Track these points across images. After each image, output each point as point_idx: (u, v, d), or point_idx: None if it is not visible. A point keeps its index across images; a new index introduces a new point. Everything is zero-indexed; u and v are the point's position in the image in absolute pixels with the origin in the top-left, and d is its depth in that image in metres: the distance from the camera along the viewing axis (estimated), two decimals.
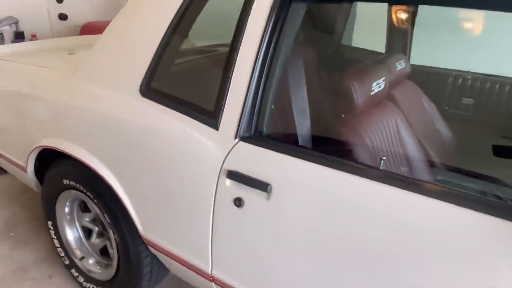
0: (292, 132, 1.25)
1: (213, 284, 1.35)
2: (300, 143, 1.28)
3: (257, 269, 1.21)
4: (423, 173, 1.59)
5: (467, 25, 2.32)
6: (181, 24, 1.36)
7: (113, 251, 1.73)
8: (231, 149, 1.20)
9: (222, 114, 1.22)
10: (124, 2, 1.56)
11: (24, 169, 1.89)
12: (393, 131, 1.54)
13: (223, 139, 1.21)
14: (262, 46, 1.16)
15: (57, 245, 1.93)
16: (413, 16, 2.37)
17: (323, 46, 2.28)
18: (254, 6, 1.19)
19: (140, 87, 1.40)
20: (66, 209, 1.84)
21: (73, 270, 1.91)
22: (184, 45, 1.47)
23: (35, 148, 1.73)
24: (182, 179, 1.29)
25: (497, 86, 2.31)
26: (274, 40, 1.16)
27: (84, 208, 1.87)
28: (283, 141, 1.19)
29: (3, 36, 3.96)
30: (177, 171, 1.30)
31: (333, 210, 1.03)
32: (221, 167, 1.21)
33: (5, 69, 1.93)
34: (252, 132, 1.20)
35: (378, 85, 1.46)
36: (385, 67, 1.66)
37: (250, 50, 1.17)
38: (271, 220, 1.13)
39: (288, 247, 1.12)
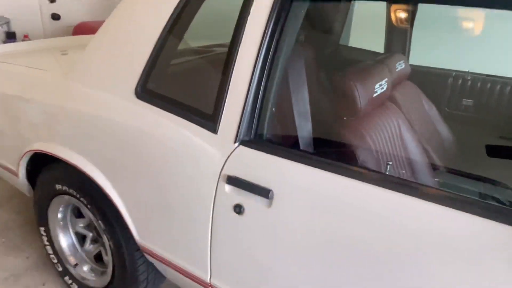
0: (293, 136, 1.21)
1: None
2: (302, 146, 1.24)
3: (258, 279, 1.16)
4: (425, 176, 1.56)
5: (467, 25, 2.29)
6: (178, 23, 1.32)
7: (108, 258, 1.68)
8: (231, 153, 1.15)
9: (221, 117, 1.17)
10: (118, 1, 1.51)
11: (15, 174, 1.83)
12: (396, 133, 1.50)
13: (222, 143, 1.17)
14: (263, 47, 1.12)
15: (50, 251, 1.87)
16: (412, 15, 2.34)
17: (322, 47, 2.24)
18: (254, 5, 1.15)
19: (136, 89, 1.35)
20: (59, 215, 1.79)
21: (66, 278, 1.85)
22: (181, 46, 1.42)
23: (27, 152, 1.67)
24: (179, 185, 1.25)
25: (498, 86, 2.28)
26: (275, 40, 1.12)
27: (78, 214, 1.82)
28: (285, 145, 1.15)
29: None
30: (174, 176, 1.25)
31: (338, 217, 0.99)
32: (220, 172, 1.16)
33: None
34: (252, 136, 1.15)
35: (380, 87, 1.42)
36: (386, 67, 1.62)
37: (250, 51, 1.13)
38: (273, 228, 1.08)
39: (290, 256, 1.08)
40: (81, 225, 1.82)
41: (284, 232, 1.07)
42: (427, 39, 2.47)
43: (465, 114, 2.37)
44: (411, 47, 2.39)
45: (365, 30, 2.70)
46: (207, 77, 1.51)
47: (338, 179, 1.00)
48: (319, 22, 1.98)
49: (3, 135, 1.82)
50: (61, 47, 2.36)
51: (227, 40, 1.21)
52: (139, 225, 1.43)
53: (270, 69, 1.13)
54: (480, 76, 2.33)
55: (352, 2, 2.46)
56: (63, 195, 1.69)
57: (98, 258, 1.83)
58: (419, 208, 0.90)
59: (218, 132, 1.18)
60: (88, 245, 1.84)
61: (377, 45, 2.40)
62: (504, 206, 0.85)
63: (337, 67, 1.84)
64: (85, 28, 3.82)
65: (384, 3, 2.31)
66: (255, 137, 1.15)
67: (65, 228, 1.83)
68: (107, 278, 1.71)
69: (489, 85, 2.31)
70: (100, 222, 1.56)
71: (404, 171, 1.45)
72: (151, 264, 1.56)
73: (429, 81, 2.42)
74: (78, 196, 1.59)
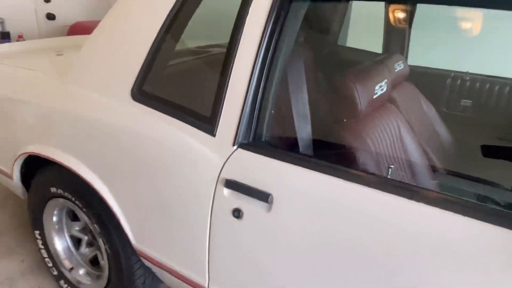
0: (293, 138, 1.19)
1: None
2: (301, 149, 1.22)
3: (257, 284, 1.14)
4: (425, 178, 1.54)
5: (466, 25, 2.28)
6: (175, 23, 1.29)
7: (104, 262, 1.65)
8: (229, 156, 1.13)
9: (219, 120, 1.15)
10: (113, 1, 1.49)
11: (9, 176, 1.80)
12: (395, 135, 1.49)
13: (220, 146, 1.15)
14: (262, 47, 1.10)
15: (45, 255, 1.84)
16: (411, 15, 2.32)
17: (320, 47, 2.23)
18: (253, 5, 1.12)
19: (132, 90, 1.33)
20: (54, 218, 1.76)
21: (62, 282, 1.82)
22: (178, 46, 1.40)
23: (21, 154, 1.64)
24: (176, 188, 1.22)
25: (497, 87, 2.27)
26: (274, 41, 1.10)
27: (73, 217, 1.79)
28: (285, 148, 1.13)
29: None
30: (172, 180, 1.23)
31: (338, 221, 0.98)
32: (219, 175, 1.14)
33: None
34: (251, 139, 1.13)
35: (380, 88, 1.40)
36: (386, 68, 1.61)
37: (248, 52, 1.11)
38: (272, 232, 1.06)
39: (290, 261, 1.06)
40: (77, 228, 1.79)
41: (283, 237, 1.05)
42: (425, 39, 2.46)
43: (463, 115, 2.36)
44: (410, 48, 2.38)
45: (363, 30, 2.68)
46: (204, 78, 1.49)
47: (338, 183, 0.99)
48: (317, 22, 1.96)
49: None
50: (56, 47, 2.33)
51: (224, 40, 1.19)
52: (135, 229, 1.40)
53: (269, 70, 1.11)
54: (478, 77, 2.31)
55: (350, 2, 2.44)
56: (58, 198, 1.66)
57: (94, 262, 1.80)
58: (418, 212, 0.89)
59: (216, 135, 1.16)
60: (84, 249, 1.81)
61: (375, 45, 2.39)
62: (502, 209, 0.84)
63: (335, 68, 1.83)
64: (81, 28, 3.78)
65: (383, 3, 2.29)
66: (254, 140, 1.13)
67: (60, 231, 1.80)
68: (103, 282, 1.68)
69: (488, 85, 2.30)
70: (95, 225, 1.54)
71: (404, 174, 1.43)
72: (148, 268, 1.53)
73: (428, 81, 2.41)
74: (73, 199, 1.57)
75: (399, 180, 0.98)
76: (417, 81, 2.17)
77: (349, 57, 2.22)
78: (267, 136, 1.14)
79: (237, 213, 1.10)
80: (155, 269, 1.44)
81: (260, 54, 1.10)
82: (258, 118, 1.12)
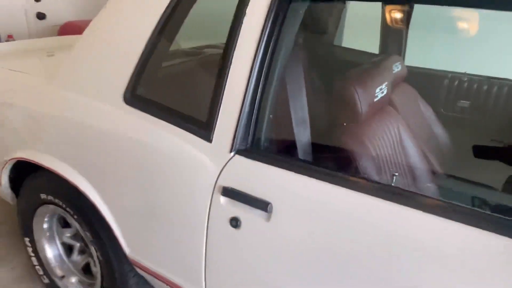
0: (292, 144, 1.15)
1: None
2: (300, 155, 1.18)
3: None
4: (426, 182, 1.51)
5: (465, 26, 2.25)
6: (169, 24, 1.25)
7: (96, 269, 1.60)
8: (226, 163, 1.09)
9: (215, 125, 1.11)
10: (105, 0, 1.43)
11: None
12: (396, 139, 1.45)
13: (217, 153, 1.10)
14: (260, 50, 1.06)
15: (35, 263, 1.79)
16: (408, 15, 2.29)
17: (316, 47, 2.19)
18: (250, 6, 1.08)
19: (124, 94, 1.28)
20: (45, 225, 1.71)
21: None
22: (173, 47, 1.35)
23: (10, 160, 1.59)
24: (171, 196, 1.18)
25: (495, 88, 2.25)
26: (272, 42, 1.06)
27: (64, 223, 1.74)
28: (284, 154, 1.09)
29: None
30: (166, 187, 1.18)
31: (340, 231, 0.94)
32: (215, 183, 1.10)
33: None
34: (249, 145, 1.09)
35: (381, 91, 1.37)
36: (385, 70, 1.57)
37: (246, 54, 1.07)
38: (272, 243, 1.02)
39: (290, 272, 1.02)
40: (68, 235, 1.74)
41: (283, 247, 1.01)
42: (423, 40, 2.43)
43: (461, 116, 2.34)
44: (407, 48, 2.35)
45: (359, 31, 2.65)
46: (200, 81, 1.45)
47: (341, 192, 0.95)
48: (314, 22, 1.92)
49: None
50: (47, 48, 2.27)
51: (219, 40, 1.14)
52: (128, 238, 1.36)
53: (267, 73, 1.07)
54: (476, 78, 2.29)
55: (346, 2, 2.41)
56: (48, 205, 1.61)
57: (86, 270, 1.75)
58: (422, 220, 0.86)
59: (213, 141, 1.11)
60: (76, 256, 1.76)
61: (371, 45, 2.36)
62: (499, 215, 0.82)
63: (333, 69, 1.79)
64: (72, 28, 3.72)
65: (379, 3, 2.26)
66: (252, 146, 1.09)
67: (51, 238, 1.75)
68: None
69: (486, 86, 2.28)
70: (87, 233, 1.49)
71: (405, 179, 1.40)
72: (142, 277, 1.49)
73: (425, 82, 2.38)
74: (64, 206, 1.52)
75: (403, 188, 0.95)
76: (415, 82, 2.14)
77: (347, 58, 2.18)
78: (265, 142, 1.10)
79: (234, 222, 1.06)
80: (149, 278, 1.40)
81: (258, 57, 1.06)
82: (256, 123, 1.08)
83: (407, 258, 0.86)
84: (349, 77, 1.30)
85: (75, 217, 1.50)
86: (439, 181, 1.62)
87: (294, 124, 1.17)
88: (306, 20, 1.27)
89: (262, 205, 1.01)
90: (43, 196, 1.57)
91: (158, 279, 1.33)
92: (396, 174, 1.20)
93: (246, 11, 1.09)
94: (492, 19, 2.16)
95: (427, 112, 2.10)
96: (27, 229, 1.74)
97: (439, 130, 2.09)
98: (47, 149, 1.46)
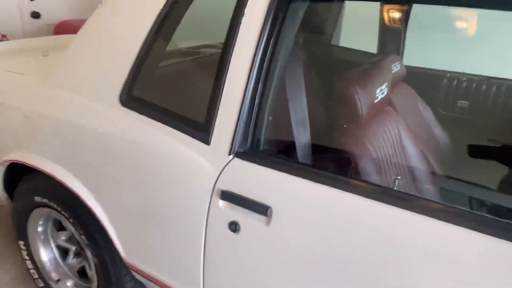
0: (292, 146, 1.13)
1: None
2: (300, 157, 1.16)
3: None
4: (426, 183, 1.49)
5: (463, 25, 2.24)
6: (165, 24, 1.22)
7: (92, 273, 1.58)
8: (225, 166, 1.07)
9: (213, 127, 1.08)
10: None
11: None
12: (396, 140, 1.43)
13: (215, 155, 1.08)
14: (259, 50, 1.03)
15: (30, 266, 1.76)
16: (406, 15, 2.28)
17: (314, 47, 2.17)
18: (249, 6, 1.06)
19: (120, 95, 1.25)
20: (39, 228, 1.68)
21: None
22: (170, 47, 1.33)
23: (3, 162, 1.56)
24: (168, 200, 1.15)
25: (494, 88, 2.24)
26: (272, 43, 1.04)
27: (59, 226, 1.71)
28: (284, 157, 1.06)
29: None
30: (163, 190, 1.16)
31: (342, 236, 0.92)
32: (214, 186, 1.07)
33: None
34: (248, 147, 1.07)
35: (381, 92, 1.35)
36: (385, 70, 1.55)
37: (245, 54, 1.04)
38: (272, 247, 1.00)
39: (290, 277, 1.00)
40: (63, 238, 1.71)
41: (283, 252, 0.99)
42: (421, 39, 2.42)
43: (460, 116, 2.32)
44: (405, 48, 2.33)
45: (356, 30, 2.63)
46: (198, 82, 1.42)
47: (342, 195, 0.93)
48: (312, 21, 1.90)
49: None
50: (42, 47, 2.24)
51: (216, 40, 1.12)
52: (125, 241, 1.33)
53: (266, 74, 1.05)
54: (475, 77, 2.28)
55: (345, 1, 2.39)
56: (42, 208, 1.58)
57: (81, 273, 1.73)
58: (423, 224, 0.84)
59: (211, 143, 1.09)
60: (71, 259, 1.73)
61: (369, 45, 2.34)
62: (498, 218, 0.81)
63: (332, 69, 1.77)
64: (67, 27, 3.67)
65: (377, 3, 2.24)
66: (251, 148, 1.07)
67: (46, 241, 1.72)
68: None
69: (484, 86, 2.27)
70: (82, 236, 1.46)
71: (405, 180, 1.38)
72: (138, 281, 1.46)
73: (423, 82, 2.37)
74: (58, 209, 1.49)
75: (404, 191, 0.93)
76: (413, 82, 2.12)
77: (346, 58, 2.16)
78: (265, 144, 1.08)
79: (233, 227, 1.04)
80: (146, 283, 1.37)
81: (257, 57, 1.03)
82: (255, 125, 1.06)
83: (408, 262, 0.85)
84: (349, 78, 1.28)
85: (70, 220, 1.48)
86: (438, 182, 1.61)
87: (294, 126, 1.15)
88: (305, 20, 1.25)
89: (262, 209, 0.99)
90: (37, 198, 1.54)
91: (155, 283, 1.31)
92: (399, 177, 1.18)
93: (245, 12, 1.06)
94: (491, 19, 2.15)
95: (426, 112, 2.09)
96: (21, 232, 1.71)
97: (437, 130, 2.08)
98: (41, 151, 1.43)
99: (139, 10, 1.26)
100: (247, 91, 1.04)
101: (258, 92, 1.05)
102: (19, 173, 1.60)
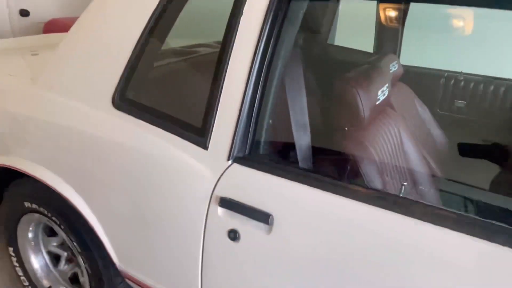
0: (294, 151, 1.09)
1: None
2: (300, 161, 1.12)
3: None
4: (427, 186, 1.47)
5: (461, 24, 2.21)
6: (160, 23, 1.17)
7: (84, 279, 1.53)
8: (223, 172, 1.02)
9: (211, 131, 1.04)
10: None
11: None
12: (397, 142, 1.40)
13: (213, 161, 1.04)
14: (259, 50, 0.99)
15: (20, 273, 1.70)
16: (404, 13, 2.25)
17: (312, 47, 2.13)
18: (247, 4, 1.02)
19: (113, 97, 1.21)
20: (30, 235, 1.62)
21: None
22: (165, 47, 1.28)
23: None
24: (164, 207, 1.11)
25: (491, 87, 2.22)
26: (272, 43, 1.00)
27: (50, 231, 1.66)
28: (285, 163, 1.03)
29: None
30: (159, 197, 1.12)
31: (346, 243, 0.89)
32: (212, 193, 1.03)
33: None
34: (247, 152, 1.03)
35: (382, 93, 1.32)
36: (385, 71, 1.52)
37: (244, 55, 1.00)
38: (273, 256, 0.96)
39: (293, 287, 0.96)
40: (54, 244, 1.66)
41: (285, 261, 0.96)
42: (419, 38, 2.39)
43: (458, 116, 2.30)
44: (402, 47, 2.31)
45: (352, 29, 2.60)
46: (194, 84, 1.37)
47: (345, 202, 0.89)
48: (311, 21, 1.86)
49: None
50: (31, 46, 2.18)
51: (212, 39, 1.08)
52: (119, 249, 1.29)
53: (266, 76, 1.01)
54: (473, 77, 2.26)
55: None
56: (33, 213, 1.52)
57: (74, 280, 1.67)
58: (426, 230, 0.82)
59: (209, 148, 1.05)
60: (63, 265, 1.68)
61: (364, 44, 2.31)
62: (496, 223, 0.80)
63: (331, 69, 1.73)
64: (57, 25, 3.60)
65: (374, 1, 2.21)
66: (250, 153, 1.03)
67: (36, 248, 1.66)
68: None
69: (482, 86, 2.25)
70: (74, 243, 1.41)
71: (406, 183, 1.35)
72: None
73: (420, 81, 2.35)
74: (49, 215, 1.44)
75: (407, 197, 0.91)
76: (410, 81, 2.10)
77: (343, 57, 2.13)
78: (265, 149, 1.04)
79: (233, 235, 1.00)
80: None
81: (257, 58, 0.99)
82: (255, 129, 1.02)
83: (412, 268, 0.83)
84: (351, 80, 1.25)
85: (62, 226, 1.42)
86: (438, 184, 1.58)
87: (294, 129, 1.11)
88: (303, 18, 1.21)
89: (263, 217, 0.95)
90: (27, 204, 1.49)
91: None
92: (405, 183, 1.15)
93: (244, 10, 1.02)
94: (489, 18, 2.13)
95: (424, 112, 2.06)
96: (11, 238, 1.66)
97: (435, 130, 2.06)
98: (30, 155, 1.38)
99: (132, 8, 1.22)
100: (246, 93, 1.00)
101: (258, 94, 1.01)
102: (7, 177, 1.54)
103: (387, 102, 1.45)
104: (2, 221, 1.65)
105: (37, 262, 1.68)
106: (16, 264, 1.70)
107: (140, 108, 1.17)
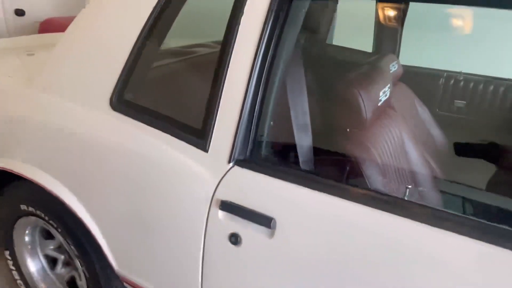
0: (294, 153, 1.07)
1: None
2: (302, 164, 1.10)
3: None
4: (428, 187, 1.45)
5: (461, 24, 2.20)
6: (158, 23, 1.15)
7: (82, 283, 1.50)
8: (224, 175, 1.01)
9: (212, 133, 1.02)
10: None
11: None
12: (399, 143, 1.39)
13: (214, 163, 1.02)
14: (260, 51, 0.98)
15: (17, 277, 1.68)
16: (403, 13, 2.24)
17: (311, 47, 2.11)
18: (248, 4, 1.00)
19: (111, 99, 1.18)
20: (26, 238, 1.60)
21: None
22: (164, 47, 1.26)
23: None
24: (163, 210, 1.09)
25: (491, 87, 2.21)
26: (273, 43, 0.98)
27: (47, 234, 1.63)
28: (288, 165, 1.01)
29: None
30: (158, 200, 1.10)
31: (351, 247, 0.87)
32: (212, 196, 1.01)
33: None
34: (248, 155, 1.01)
35: (384, 94, 1.30)
36: (386, 71, 1.51)
37: (245, 56, 0.99)
38: (275, 261, 0.94)
39: None
40: (51, 247, 1.63)
41: (288, 266, 0.94)
42: (418, 38, 2.38)
43: (457, 116, 2.30)
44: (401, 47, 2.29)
45: (350, 28, 2.59)
46: (194, 85, 1.35)
47: (349, 205, 0.88)
48: (311, 20, 1.84)
49: None
50: (27, 46, 2.15)
51: (210, 39, 1.06)
52: (117, 252, 1.26)
53: (268, 76, 0.99)
54: (472, 77, 2.25)
55: None
56: (29, 216, 1.50)
57: (71, 283, 1.65)
58: (431, 233, 0.81)
59: (209, 150, 1.03)
60: (60, 269, 1.65)
61: (362, 44, 2.29)
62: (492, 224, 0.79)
63: (331, 70, 1.71)
64: (53, 25, 3.56)
65: (373, 1, 2.20)
66: (252, 156, 1.01)
67: (33, 251, 1.64)
68: None
69: (481, 86, 2.24)
70: (72, 247, 1.39)
71: (408, 184, 1.34)
72: None
73: (420, 81, 2.33)
74: (46, 218, 1.41)
75: (413, 201, 0.89)
76: (409, 81, 2.09)
77: (344, 58, 2.11)
78: (267, 151, 1.02)
79: (234, 239, 0.98)
80: None
81: (258, 58, 0.98)
82: (256, 131, 1.00)
83: (418, 272, 0.81)
84: (353, 81, 1.23)
85: (59, 230, 1.40)
86: (440, 185, 1.57)
87: (295, 131, 1.09)
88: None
89: (265, 220, 0.93)
90: (23, 207, 1.46)
91: None
92: (409, 186, 1.14)
93: (244, 10, 1.00)
94: (489, 17, 2.12)
95: (423, 112, 2.05)
96: (7, 242, 1.63)
97: (435, 130, 2.04)
98: (26, 158, 1.35)
99: (131, 7, 1.20)
100: (247, 94, 0.98)
101: (259, 96, 0.99)
102: (3, 180, 1.52)
103: (388, 103, 1.43)
104: None
105: (33, 265, 1.65)
106: (13, 267, 1.68)
107: (138, 110, 1.15)
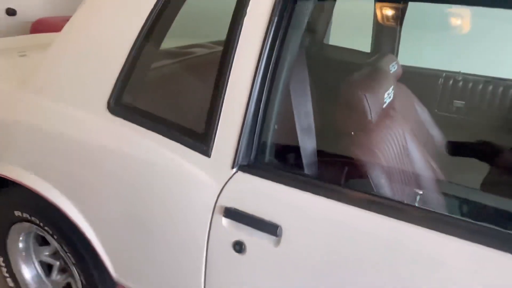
0: (298, 157, 1.04)
1: None
2: (306, 167, 1.07)
3: None
4: (432, 189, 1.43)
5: (460, 24, 2.19)
6: (157, 23, 1.12)
7: None
8: (227, 181, 0.97)
9: (214, 137, 0.99)
10: None
11: None
12: (402, 145, 1.36)
13: (216, 169, 0.99)
14: (264, 53, 0.95)
15: (11, 284, 1.63)
16: (402, 12, 2.22)
17: (310, 47, 2.09)
18: (251, 5, 0.97)
19: (108, 102, 1.15)
20: (21, 245, 1.55)
21: None
22: (163, 47, 1.22)
23: None
24: (164, 217, 1.06)
25: (490, 87, 2.20)
26: (277, 45, 0.96)
27: (42, 240, 1.59)
28: (293, 170, 0.98)
29: None
30: (158, 206, 1.06)
31: (360, 254, 0.84)
32: (215, 203, 0.98)
33: None
34: (253, 160, 0.98)
35: (388, 96, 1.28)
36: (389, 73, 1.48)
37: (249, 58, 0.95)
38: (282, 270, 0.92)
39: None
40: (46, 253, 1.59)
41: (295, 276, 0.91)
42: (417, 38, 2.37)
43: (456, 116, 2.29)
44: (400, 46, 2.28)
45: (346, 28, 2.57)
46: (196, 88, 1.32)
47: (358, 212, 0.85)
48: (311, 20, 1.82)
49: None
50: (18, 47, 2.10)
51: (210, 39, 1.03)
52: (115, 260, 1.23)
53: (272, 79, 0.96)
54: (471, 77, 2.24)
55: None
56: (23, 223, 1.46)
57: None
58: (440, 240, 0.79)
59: (212, 155, 0.99)
60: (56, 275, 1.61)
61: (360, 44, 2.27)
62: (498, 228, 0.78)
63: (331, 71, 1.69)
64: (45, 25, 3.51)
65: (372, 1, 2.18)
66: (256, 161, 0.98)
67: (28, 258, 1.60)
68: None
69: (480, 86, 2.23)
70: (68, 254, 1.35)
71: (412, 187, 1.31)
72: None
73: (418, 81, 2.32)
74: (41, 224, 1.37)
75: (420, 206, 0.87)
76: (408, 81, 2.07)
77: (343, 58, 2.09)
78: (272, 156, 0.99)
79: (238, 247, 0.95)
80: None
81: (262, 61, 0.95)
82: (260, 135, 0.97)
83: (427, 277, 0.79)
84: (357, 83, 1.20)
85: (55, 236, 1.36)
86: (443, 187, 1.56)
87: (299, 135, 1.06)
88: None
89: (270, 228, 0.90)
90: (17, 213, 1.42)
91: None
92: (421, 192, 1.11)
93: (247, 11, 0.97)
94: (488, 17, 2.11)
95: (423, 113, 2.04)
96: (0, 248, 1.58)
97: (434, 131, 2.03)
98: (20, 162, 1.31)
99: (129, 7, 1.16)
100: (251, 97, 0.95)
101: (263, 99, 0.96)
102: None
103: (391, 105, 1.41)
104: None
105: (28, 272, 1.61)
106: (6, 274, 1.63)
107: (137, 113, 1.11)
